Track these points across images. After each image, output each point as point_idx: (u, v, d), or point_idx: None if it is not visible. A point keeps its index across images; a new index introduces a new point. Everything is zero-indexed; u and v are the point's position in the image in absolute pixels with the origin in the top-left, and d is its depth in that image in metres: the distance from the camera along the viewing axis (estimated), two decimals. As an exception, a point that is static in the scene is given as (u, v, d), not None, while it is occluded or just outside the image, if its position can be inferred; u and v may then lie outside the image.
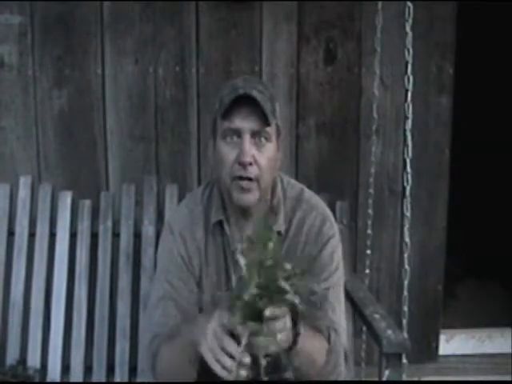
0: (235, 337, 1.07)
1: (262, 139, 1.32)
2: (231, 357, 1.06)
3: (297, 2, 2.39)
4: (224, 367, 1.06)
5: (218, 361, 1.07)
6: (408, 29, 1.79)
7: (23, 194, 2.10)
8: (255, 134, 1.32)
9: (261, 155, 1.32)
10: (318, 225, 1.43)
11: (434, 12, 2.43)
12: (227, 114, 1.31)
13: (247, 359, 1.05)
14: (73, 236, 2.07)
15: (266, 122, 1.30)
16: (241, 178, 1.31)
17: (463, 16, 2.52)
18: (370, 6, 2.34)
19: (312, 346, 1.27)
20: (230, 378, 1.07)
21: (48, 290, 2.06)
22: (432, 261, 2.57)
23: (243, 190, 1.32)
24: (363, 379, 2.29)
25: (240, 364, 1.05)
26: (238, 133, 1.31)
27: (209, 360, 1.08)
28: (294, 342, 1.18)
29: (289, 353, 1.19)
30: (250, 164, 1.30)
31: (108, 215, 2.09)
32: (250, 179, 1.31)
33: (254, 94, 1.30)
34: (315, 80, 2.44)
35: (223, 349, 1.06)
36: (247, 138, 1.31)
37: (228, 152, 1.32)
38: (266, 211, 1.42)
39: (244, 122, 1.30)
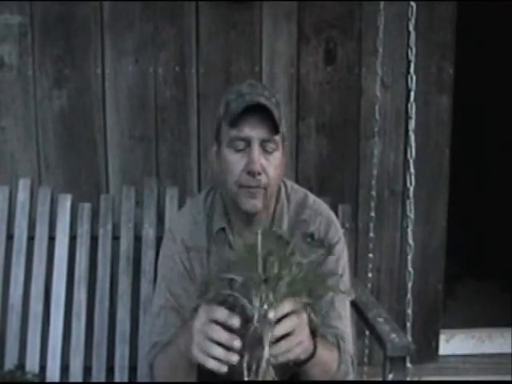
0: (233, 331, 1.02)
1: (270, 148, 1.30)
2: (221, 345, 1.02)
3: (297, 2, 2.37)
4: (216, 358, 1.02)
5: (208, 354, 1.03)
6: (411, 28, 1.78)
7: (22, 196, 2.09)
8: (264, 143, 1.29)
9: (269, 164, 1.30)
10: (323, 230, 1.41)
11: (434, 12, 2.42)
12: (236, 122, 1.28)
13: (237, 342, 1.01)
14: (72, 239, 2.06)
15: (275, 130, 1.28)
16: (249, 186, 1.30)
17: (463, 16, 2.52)
18: (370, 6, 2.34)
19: (327, 356, 1.26)
20: (224, 368, 1.02)
21: (47, 293, 2.05)
22: (432, 261, 2.57)
23: (250, 195, 1.30)
24: (365, 379, 2.29)
25: (231, 349, 1.01)
26: (247, 141, 1.29)
27: (200, 359, 1.04)
28: (313, 353, 1.16)
29: (307, 363, 1.17)
30: (259, 174, 1.28)
31: (108, 218, 2.07)
32: (257, 187, 1.30)
33: (263, 101, 1.27)
34: (315, 80, 2.43)
35: (211, 339, 1.03)
36: (256, 146, 1.29)
37: (236, 161, 1.30)
38: (269, 218, 1.40)
39: (253, 131, 1.28)
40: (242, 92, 1.31)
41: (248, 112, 1.27)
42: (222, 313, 1.03)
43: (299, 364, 1.16)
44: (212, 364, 1.03)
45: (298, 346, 1.06)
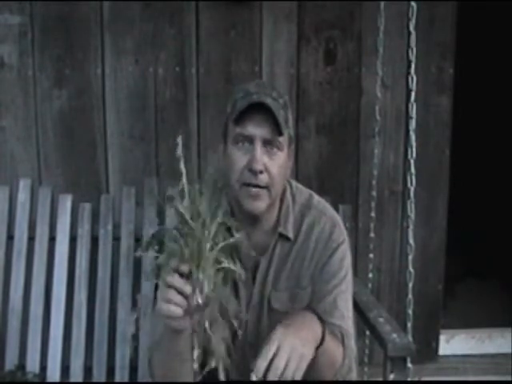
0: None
1: (274, 148, 1.30)
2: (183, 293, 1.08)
3: (297, 2, 2.37)
4: (177, 303, 1.07)
5: (170, 301, 1.07)
6: (411, 28, 1.77)
7: (23, 196, 2.09)
8: (267, 143, 1.29)
9: (272, 163, 1.30)
10: (328, 231, 1.41)
11: (434, 12, 2.42)
12: (240, 119, 1.28)
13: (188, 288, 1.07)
14: (73, 240, 2.06)
15: (278, 131, 1.28)
16: (250, 184, 1.29)
17: (463, 16, 2.52)
18: (370, 6, 2.33)
19: (334, 345, 1.26)
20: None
21: (47, 294, 2.05)
22: (432, 261, 2.57)
23: (253, 196, 1.30)
24: (366, 379, 2.28)
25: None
26: (250, 139, 1.29)
27: (164, 310, 1.08)
28: (322, 340, 1.18)
29: (317, 350, 1.19)
30: (261, 172, 1.28)
31: (108, 219, 2.07)
32: (259, 186, 1.30)
33: (268, 101, 1.28)
34: (315, 80, 2.43)
35: (175, 289, 1.08)
36: (259, 145, 1.29)
37: (239, 158, 1.30)
38: (274, 218, 1.40)
39: (257, 130, 1.28)
40: (249, 91, 1.31)
41: (253, 110, 1.27)
42: (177, 280, 1.08)
43: None
44: (174, 310, 1.07)
45: (299, 363, 1.10)
